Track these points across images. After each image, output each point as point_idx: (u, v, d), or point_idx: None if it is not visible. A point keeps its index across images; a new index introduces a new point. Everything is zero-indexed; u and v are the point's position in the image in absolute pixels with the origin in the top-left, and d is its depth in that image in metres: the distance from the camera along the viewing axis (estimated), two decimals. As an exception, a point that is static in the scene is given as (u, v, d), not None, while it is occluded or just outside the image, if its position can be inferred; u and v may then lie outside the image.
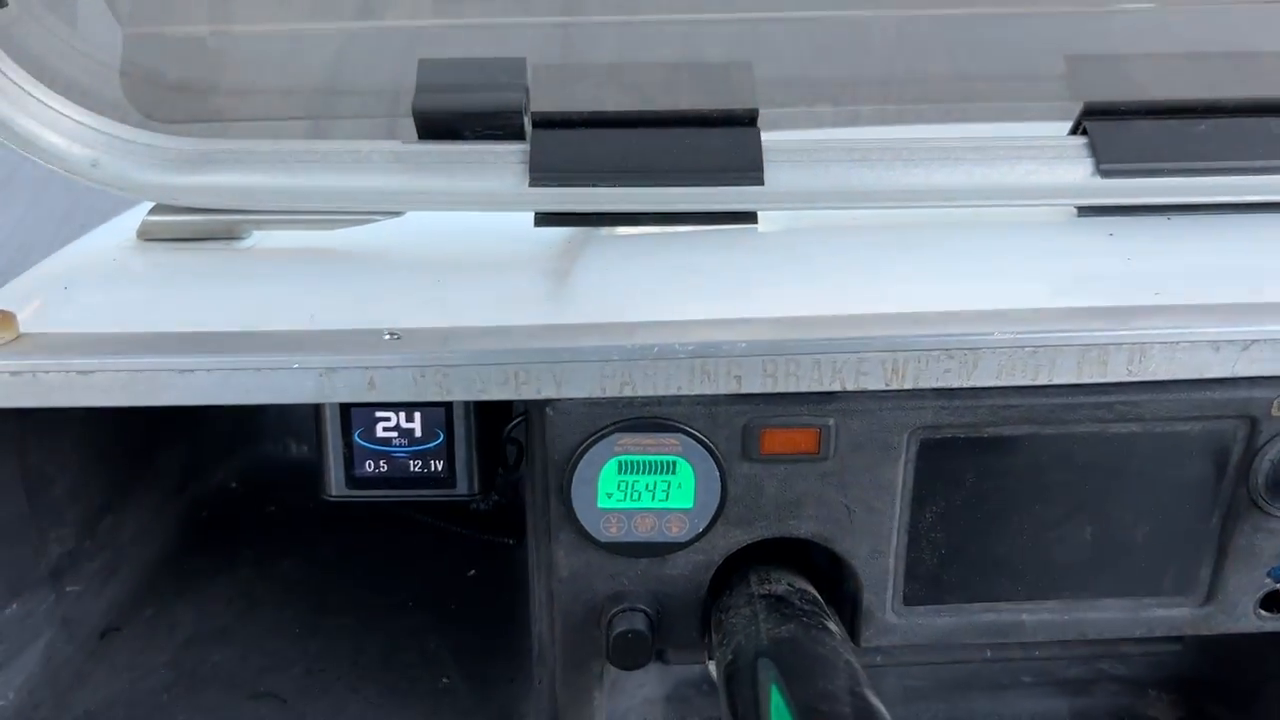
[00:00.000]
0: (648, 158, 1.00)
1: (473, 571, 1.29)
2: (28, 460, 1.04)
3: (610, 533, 0.90)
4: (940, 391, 0.86)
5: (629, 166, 1.00)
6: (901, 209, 1.04)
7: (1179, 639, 1.09)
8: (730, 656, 0.83)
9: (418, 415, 0.95)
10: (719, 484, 0.88)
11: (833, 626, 0.85)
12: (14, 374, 0.84)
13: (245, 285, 0.99)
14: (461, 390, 0.85)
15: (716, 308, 0.89)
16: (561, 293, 0.95)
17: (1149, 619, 0.96)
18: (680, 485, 0.89)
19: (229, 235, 1.07)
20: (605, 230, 1.05)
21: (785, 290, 0.94)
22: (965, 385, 0.85)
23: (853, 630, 0.96)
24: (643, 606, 0.92)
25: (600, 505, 0.89)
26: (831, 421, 0.87)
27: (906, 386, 0.85)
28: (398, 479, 0.97)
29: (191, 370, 0.84)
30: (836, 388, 0.85)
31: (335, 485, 0.97)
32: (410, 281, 0.99)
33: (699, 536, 0.90)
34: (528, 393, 0.85)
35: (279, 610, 1.22)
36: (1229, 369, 0.85)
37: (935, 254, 1.00)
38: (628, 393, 0.85)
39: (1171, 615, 0.96)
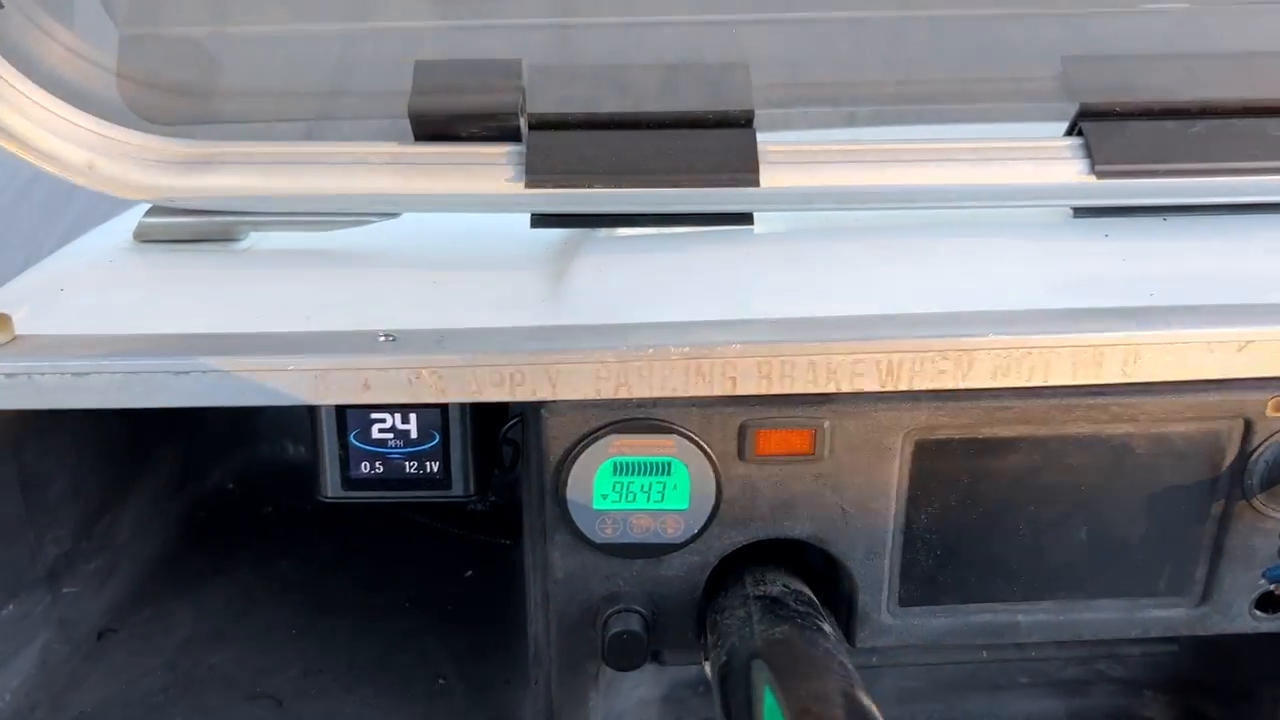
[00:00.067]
0: (644, 159, 1.00)
1: (469, 572, 1.29)
2: (24, 461, 1.04)
3: (605, 534, 0.90)
4: (935, 393, 0.86)
5: (625, 168, 1.00)
6: (897, 210, 1.04)
7: (1175, 640, 1.09)
8: (724, 658, 0.83)
9: (413, 417, 0.95)
10: (714, 485, 0.88)
11: (827, 628, 0.85)
12: (9, 376, 0.84)
13: (241, 287, 0.99)
14: (457, 392, 0.85)
15: (712, 309, 0.89)
16: (557, 294, 0.95)
17: (1144, 620, 0.96)
18: (675, 486, 0.89)
19: (226, 237, 1.07)
20: (602, 231, 1.06)
21: (781, 291, 0.94)
22: (960, 387, 0.85)
23: (848, 631, 0.96)
24: (638, 608, 0.92)
25: (595, 506, 0.89)
26: (826, 423, 0.87)
27: (901, 388, 0.85)
28: (393, 480, 0.97)
29: (187, 372, 0.84)
30: (831, 389, 0.85)
31: (331, 487, 0.97)
32: (406, 283, 0.99)
33: (694, 538, 0.90)
34: (523, 394, 0.85)
35: (276, 611, 1.22)
36: (1224, 370, 0.86)
37: (931, 255, 1.00)
38: (623, 394, 0.85)
39: (1167, 616, 0.96)
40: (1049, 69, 1.09)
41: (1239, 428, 0.89)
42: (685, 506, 0.89)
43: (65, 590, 1.13)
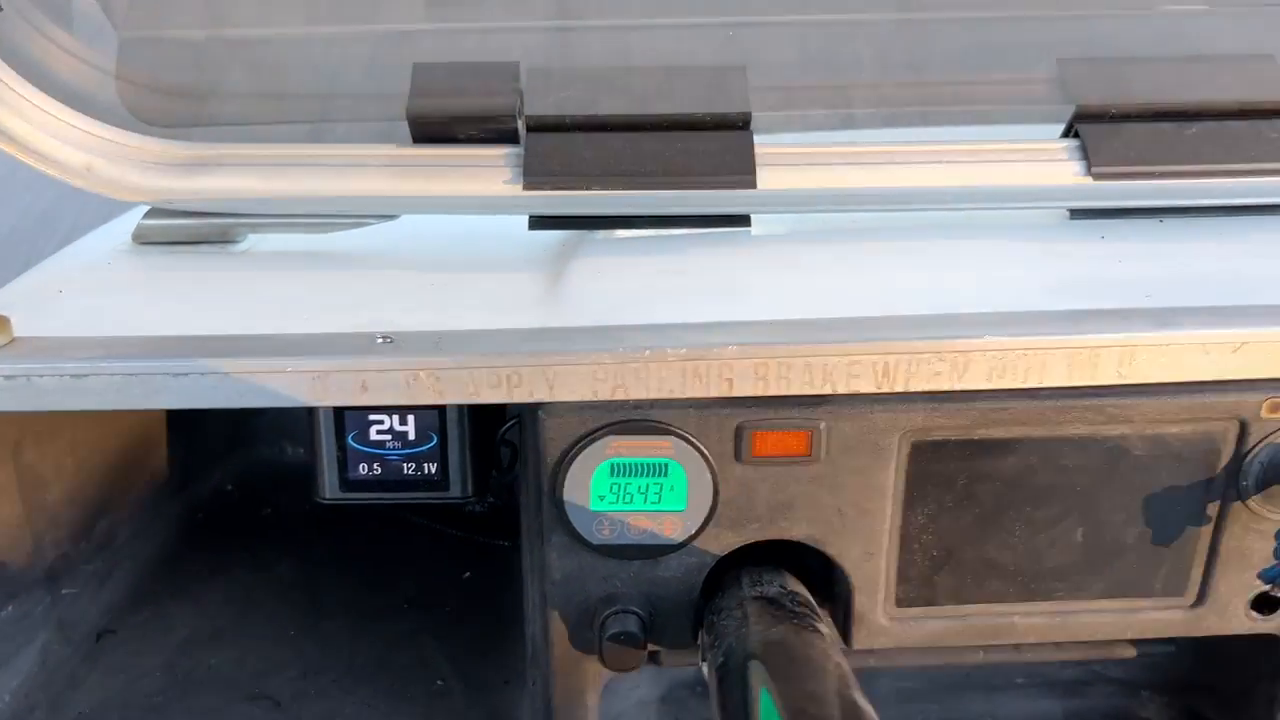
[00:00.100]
0: (641, 161, 1.01)
1: (468, 574, 1.29)
2: (23, 463, 1.04)
3: (603, 535, 0.90)
4: (931, 394, 0.87)
5: (622, 170, 1.00)
6: (894, 211, 1.05)
7: (1172, 640, 1.09)
8: (721, 659, 0.83)
9: (411, 418, 0.96)
10: (711, 486, 0.89)
11: (823, 629, 0.85)
12: (8, 378, 0.84)
13: (240, 289, 0.99)
14: (454, 393, 0.85)
15: (709, 310, 0.90)
16: (555, 295, 0.95)
17: (1141, 620, 0.96)
18: (672, 488, 0.89)
19: (224, 238, 1.08)
20: (599, 232, 1.06)
21: (777, 293, 0.94)
22: (956, 388, 0.86)
23: (845, 632, 0.96)
24: (635, 609, 0.93)
25: (593, 508, 0.89)
26: (823, 424, 0.87)
27: (897, 389, 0.86)
28: (391, 482, 0.97)
29: (185, 374, 0.84)
30: (828, 390, 0.86)
31: (329, 488, 0.98)
32: (404, 284, 1.00)
33: (691, 539, 0.91)
34: (520, 396, 0.85)
35: (274, 613, 1.22)
36: (1218, 371, 0.86)
37: (927, 256, 1.01)
38: (620, 396, 0.86)
39: (1163, 617, 0.96)
40: (1045, 71, 1.09)
41: (1234, 429, 0.89)
42: (682, 508, 0.89)
43: (64, 591, 1.13)
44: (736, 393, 0.85)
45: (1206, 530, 0.93)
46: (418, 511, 1.36)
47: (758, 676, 0.77)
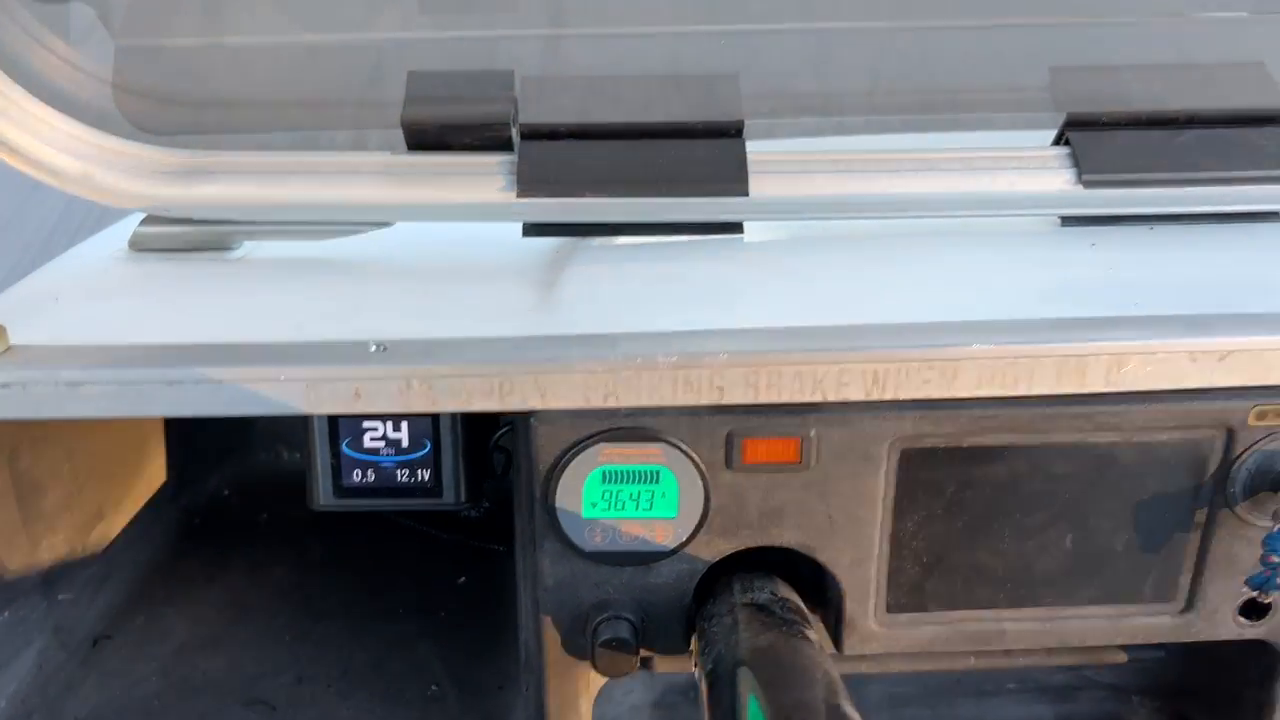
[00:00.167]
0: (634, 169, 1.01)
1: (463, 578, 1.30)
2: (20, 469, 1.05)
3: (595, 542, 0.91)
4: (921, 402, 0.87)
5: (616, 177, 1.01)
6: (886, 219, 1.05)
7: (1162, 645, 1.10)
8: (711, 665, 0.84)
9: (405, 425, 0.96)
10: (702, 493, 0.89)
11: (813, 636, 0.86)
12: (4, 386, 0.85)
13: (235, 296, 1.00)
14: (447, 401, 0.86)
15: (701, 318, 0.90)
16: (548, 303, 0.95)
17: (1130, 626, 0.97)
18: (664, 495, 0.89)
19: (220, 245, 1.08)
20: (593, 240, 1.06)
21: (769, 300, 0.95)
22: (945, 396, 0.86)
23: (836, 638, 0.97)
24: (627, 615, 0.93)
25: (585, 515, 0.90)
26: (813, 432, 0.88)
27: (887, 397, 0.86)
28: (385, 489, 0.98)
29: (179, 382, 0.85)
30: (818, 398, 0.86)
31: (323, 495, 0.98)
32: (398, 292, 1.00)
33: (683, 545, 0.91)
34: (512, 403, 0.86)
35: (270, 618, 1.22)
36: (1206, 379, 0.86)
37: (918, 264, 1.01)
38: (611, 403, 0.86)
39: (1152, 623, 0.97)
40: (1037, 79, 1.09)
41: (1222, 436, 0.89)
42: (674, 515, 0.90)
43: (61, 597, 1.13)
44: (727, 400, 0.86)
45: (1195, 537, 0.93)
46: (413, 516, 1.36)
47: (746, 683, 0.77)
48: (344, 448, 0.97)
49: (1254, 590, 0.94)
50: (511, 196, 1.00)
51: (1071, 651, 1.09)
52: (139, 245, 1.08)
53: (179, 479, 1.37)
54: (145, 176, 1.02)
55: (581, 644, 0.94)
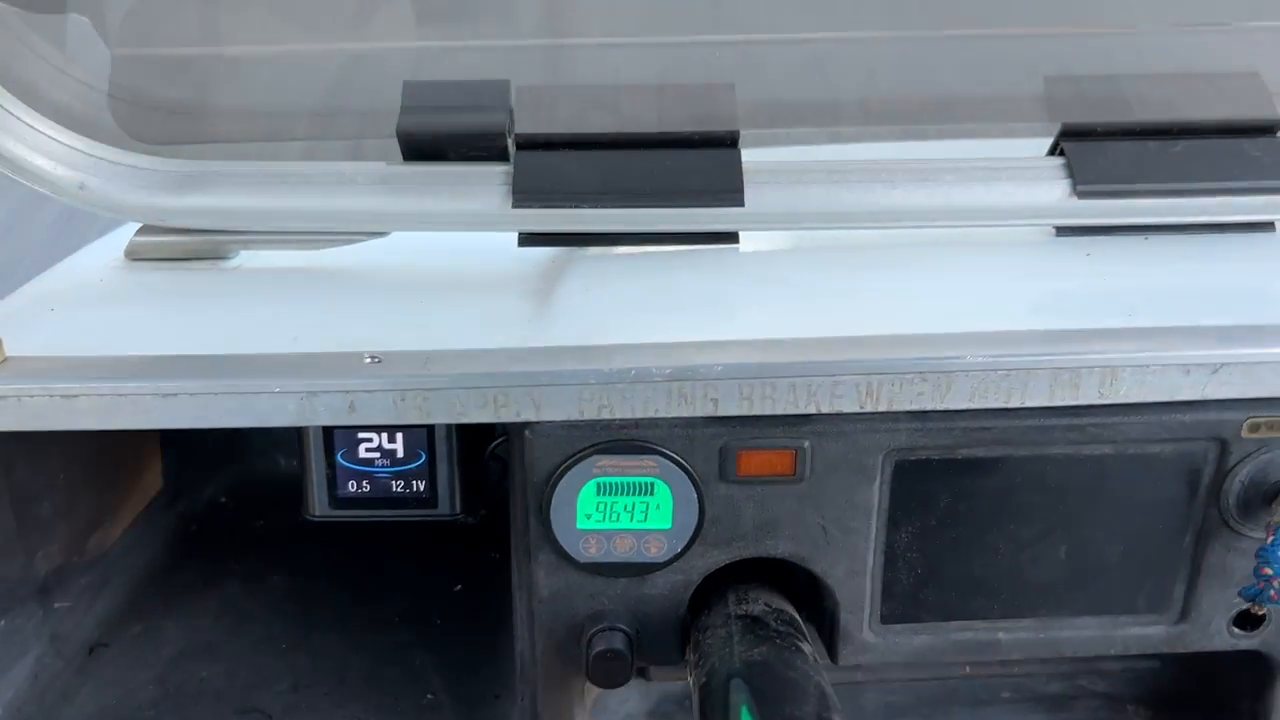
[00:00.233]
0: (630, 179, 1.02)
1: (459, 586, 1.30)
2: (15, 478, 1.05)
3: (589, 553, 0.91)
4: (914, 414, 0.87)
5: (611, 188, 1.01)
6: (881, 229, 1.05)
7: (1157, 655, 1.10)
8: (705, 678, 0.84)
9: (400, 436, 0.97)
10: (696, 505, 0.89)
11: (806, 648, 0.86)
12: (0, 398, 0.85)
13: (230, 307, 1.00)
14: (441, 413, 0.86)
15: (696, 329, 0.90)
16: (543, 314, 0.96)
17: (1124, 637, 0.97)
18: (658, 506, 0.90)
19: (216, 255, 1.08)
20: (588, 250, 1.07)
21: (764, 312, 0.95)
22: (939, 408, 0.86)
23: (831, 648, 0.97)
24: (622, 626, 0.93)
25: (579, 526, 0.90)
26: (807, 443, 0.88)
27: (881, 409, 0.86)
28: (380, 499, 0.98)
29: (174, 394, 0.85)
30: (812, 410, 0.86)
31: (318, 505, 0.98)
32: (394, 302, 1.00)
33: (677, 557, 0.91)
34: (507, 415, 0.86)
35: (266, 626, 1.22)
36: (1199, 392, 0.86)
37: (914, 275, 1.01)
38: (606, 415, 0.86)
39: (1146, 633, 0.97)
40: (1032, 89, 1.10)
41: (1215, 449, 0.90)
42: (668, 526, 0.90)
43: (57, 605, 1.13)
44: (722, 413, 0.86)
45: (1188, 549, 0.94)
46: (409, 523, 1.36)
47: (739, 696, 0.78)
48: (339, 458, 0.97)
49: (1247, 601, 0.95)
50: (507, 207, 1.01)
51: (1066, 661, 1.09)
52: (135, 254, 1.08)
53: (175, 487, 1.37)
54: (141, 187, 1.03)
55: (576, 655, 0.95)
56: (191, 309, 1.00)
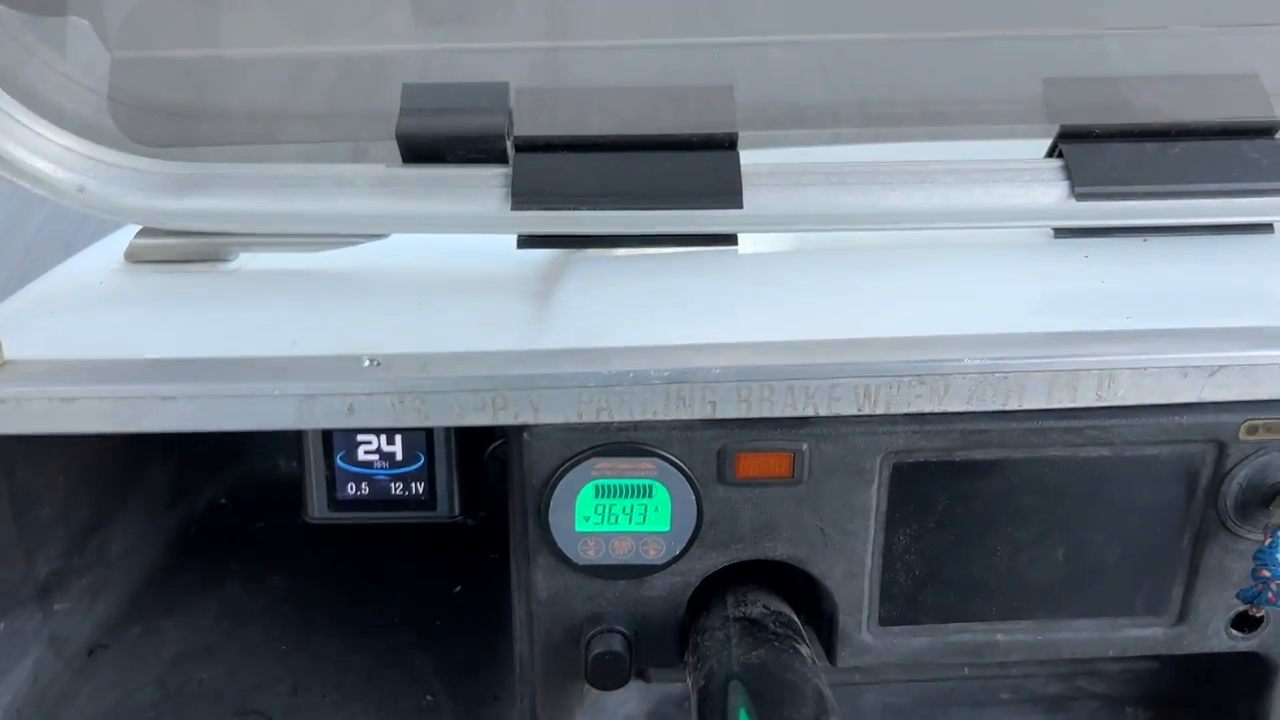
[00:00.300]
0: (629, 181, 1.02)
1: (459, 588, 1.30)
2: (14, 481, 1.05)
3: (588, 555, 0.91)
4: (912, 416, 0.87)
5: (610, 190, 1.01)
6: (879, 231, 1.05)
7: (1156, 656, 1.10)
8: (703, 680, 0.84)
9: (399, 438, 0.97)
10: (695, 507, 0.90)
11: (804, 651, 0.86)
12: None
13: (230, 309, 1.00)
14: (440, 416, 0.86)
15: (694, 331, 0.90)
16: (542, 315, 0.96)
17: (1122, 639, 0.97)
18: (657, 508, 0.90)
19: (215, 257, 1.08)
20: (587, 251, 1.07)
21: (762, 314, 0.95)
22: (937, 410, 0.86)
23: (829, 650, 0.97)
24: (621, 628, 0.93)
25: (578, 528, 0.90)
26: (805, 446, 0.88)
27: (879, 411, 0.86)
28: (379, 501, 0.98)
29: (173, 398, 0.85)
30: (810, 413, 0.86)
31: (317, 508, 0.98)
32: (393, 304, 1.00)
33: (675, 559, 0.91)
34: (505, 418, 0.86)
35: (266, 628, 1.22)
36: (1197, 394, 0.86)
37: (912, 276, 1.01)
38: (604, 418, 0.86)
39: (1144, 635, 0.97)
40: (1030, 91, 1.10)
41: (1212, 451, 0.90)
42: (667, 528, 0.90)
43: (57, 607, 1.14)
44: (720, 415, 0.86)
45: (1186, 551, 0.94)
46: (408, 525, 1.36)
47: (737, 699, 0.78)
48: (338, 461, 0.97)
49: (1245, 604, 0.95)
50: (506, 209, 1.01)
51: (1065, 662, 1.10)
52: (135, 257, 1.08)
53: (175, 488, 1.37)
54: (141, 189, 1.03)
55: (575, 657, 0.95)
56: (191, 311, 1.00)
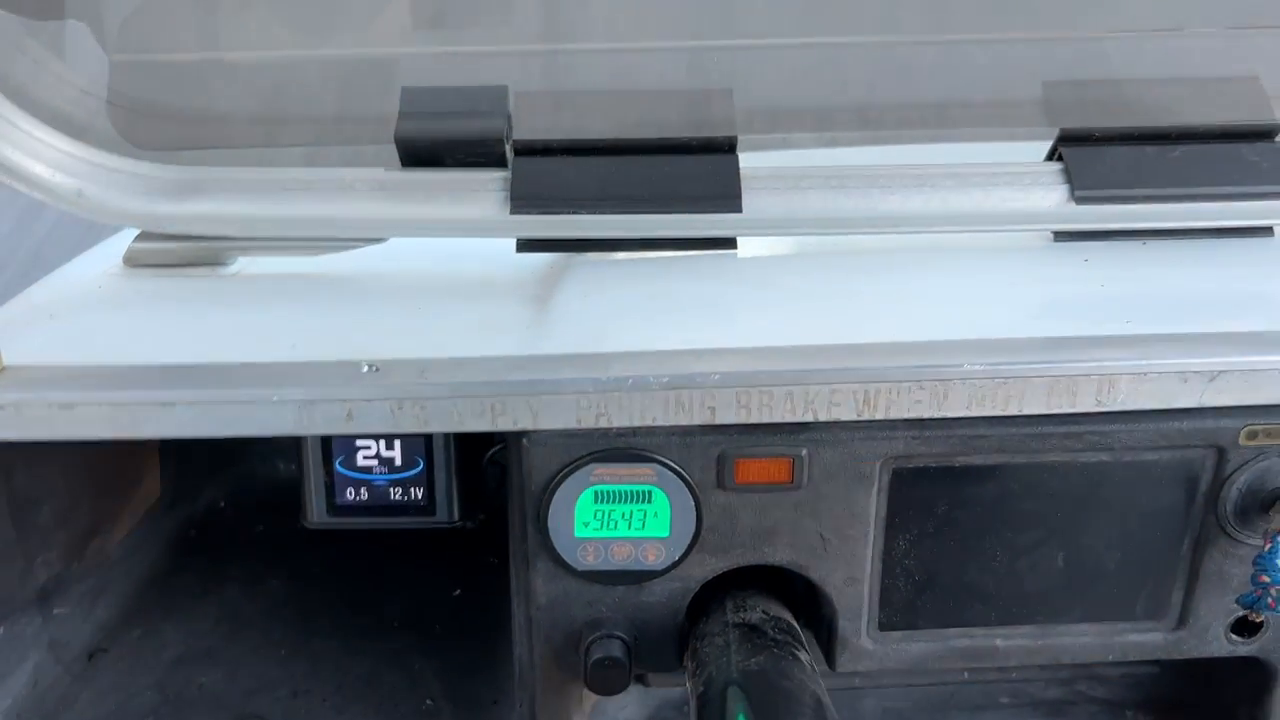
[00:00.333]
0: (628, 185, 1.01)
1: (458, 591, 1.30)
2: (13, 485, 1.05)
3: (587, 561, 0.91)
4: (912, 421, 0.87)
5: (609, 194, 1.01)
6: (879, 234, 1.05)
7: (1156, 661, 1.10)
8: (702, 686, 0.84)
9: (398, 443, 0.97)
10: (694, 513, 0.89)
11: (803, 657, 0.86)
12: None
13: (228, 314, 1.00)
14: (439, 422, 0.86)
15: (693, 336, 0.90)
16: (541, 320, 0.96)
17: (1122, 643, 0.97)
18: (656, 514, 0.90)
19: (214, 261, 1.08)
20: (587, 255, 1.07)
21: (761, 318, 0.95)
22: (936, 415, 0.86)
23: (829, 655, 0.97)
24: (620, 633, 0.93)
25: (577, 534, 0.90)
26: (804, 451, 0.88)
27: (878, 417, 0.86)
28: (378, 507, 0.98)
29: (172, 404, 0.85)
30: (809, 418, 0.86)
31: (316, 513, 0.98)
32: (392, 309, 1.00)
33: (675, 565, 0.91)
34: (504, 424, 0.86)
35: (265, 631, 1.22)
36: (1196, 399, 0.86)
37: (911, 281, 1.01)
38: (603, 424, 0.86)
39: (1144, 640, 0.97)
40: (1030, 94, 1.10)
41: (1212, 456, 0.90)
42: (666, 534, 0.90)
43: (56, 611, 1.14)
44: (719, 421, 0.86)
45: (1186, 556, 0.94)
46: (408, 529, 1.36)
47: (735, 705, 0.78)
48: (337, 466, 0.97)
49: (1245, 609, 0.95)
50: (505, 212, 1.01)
51: (1065, 667, 1.09)
52: (134, 261, 1.08)
53: (174, 492, 1.37)
54: (139, 193, 1.02)
55: (574, 662, 0.95)
56: (190, 316, 1.00)
